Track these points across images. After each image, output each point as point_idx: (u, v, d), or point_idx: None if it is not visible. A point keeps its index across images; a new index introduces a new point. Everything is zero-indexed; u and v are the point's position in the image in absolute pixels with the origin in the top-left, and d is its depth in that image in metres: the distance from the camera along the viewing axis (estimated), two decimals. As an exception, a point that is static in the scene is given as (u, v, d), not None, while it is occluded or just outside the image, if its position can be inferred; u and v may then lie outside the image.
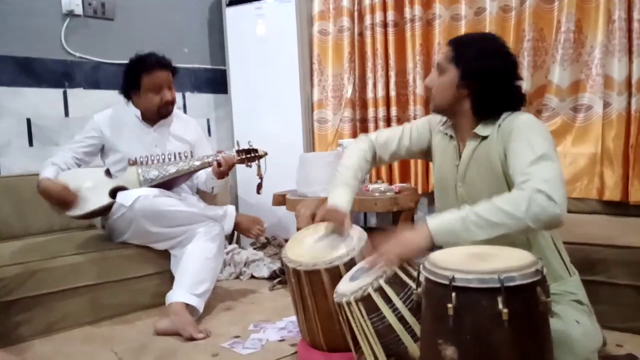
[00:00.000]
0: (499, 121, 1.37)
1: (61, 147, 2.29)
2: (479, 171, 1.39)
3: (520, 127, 1.30)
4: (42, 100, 2.74)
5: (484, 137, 1.37)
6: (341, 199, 1.52)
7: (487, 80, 1.35)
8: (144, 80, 2.25)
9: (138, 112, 2.33)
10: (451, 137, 1.48)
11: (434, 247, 1.19)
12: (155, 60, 2.26)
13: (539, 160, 1.20)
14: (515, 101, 1.39)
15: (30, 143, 2.71)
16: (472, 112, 1.39)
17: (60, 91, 2.81)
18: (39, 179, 2.07)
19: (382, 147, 1.63)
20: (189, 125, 2.50)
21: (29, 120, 2.70)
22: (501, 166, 1.33)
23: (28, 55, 2.69)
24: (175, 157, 2.22)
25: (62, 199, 2.05)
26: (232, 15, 3.18)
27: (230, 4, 3.17)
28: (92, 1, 2.90)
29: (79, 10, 2.84)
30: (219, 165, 2.19)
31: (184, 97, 3.33)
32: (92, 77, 2.90)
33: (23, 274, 1.93)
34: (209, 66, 3.44)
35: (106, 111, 2.36)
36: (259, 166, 2.27)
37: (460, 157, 1.44)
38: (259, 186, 2.30)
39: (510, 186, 1.30)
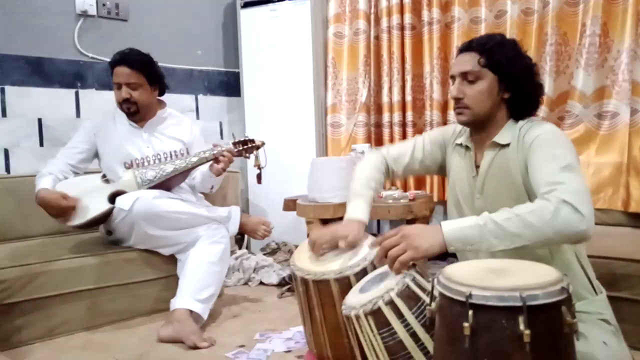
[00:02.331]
0: (518, 127, 1.32)
1: (55, 156, 2.25)
2: (498, 182, 1.32)
3: (542, 138, 1.24)
4: (53, 101, 2.72)
5: (503, 146, 1.32)
6: (356, 210, 1.46)
7: (525, 80, 1.32)
8: (113, 76, 2.22)
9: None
10: (467, 147, 1.42)
11: (446, 252, 1.14)
12: (117, 57, 2.21)
13: (564, 170, 1.14)
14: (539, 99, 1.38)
15: (41, 143, 2.69)
16: (508, 116, 1.35)
17: (72, 92, 2.79)
18: (36, 191, 2.04)
19: (394, 161, 1.58)
20: (183, 125, 2.43)
21: (40, 121, 2.68)
22: (521, 177, 1.27)
23: (40, 55, 2.67)
24: (171, 156, 2.17)
25: (61, 208, 2.01)
26: (247, 17, 3.14)
27: (244, 6, 3.14)
28: (106, 2, 2.88)
29: (92, 10, 2.83)
30: (217, 161, 2.14)
31: (196, 99, 3.30)
32: (105, 78, 2.87)
33: (24, 276, 1.88)
34: (222, 69, 3.40)
35: (97, 116, 2.33)
36: (256, 157, 2.23)
37: (477, 168, 1.38)
38: (259, 176, 2.26)
39: (531, 198, 1.24)
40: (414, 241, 1.14)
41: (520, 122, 1.34)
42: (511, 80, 1.30)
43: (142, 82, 2.21)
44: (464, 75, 1.33)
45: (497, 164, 1.33)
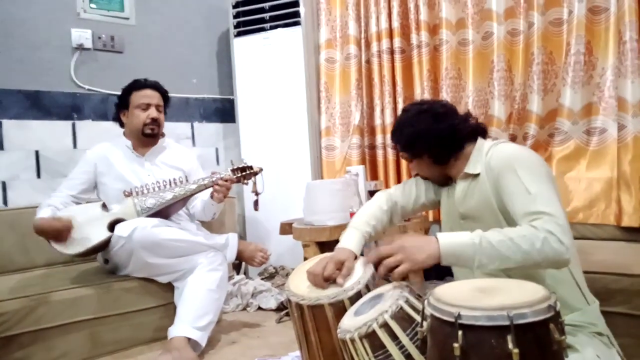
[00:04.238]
0: (484, 153, 1.37)
1: (57, 188, 2.29)
2: (476, 209, 1.38)
3: (505, 164, 1.29)
4: (50, 133, 2.76)
5: (475, 175, 1.38)
6: (349, 241, 1.47)
7: (425, 138, 1.41)
8: (133, 98, 2.30)
9: (129, 143, 2.34)
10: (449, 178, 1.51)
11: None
12: (147, 81, 2.35)
13: (538, 198, 1.18)
14: (470, 131, 1.43)
15: (38, 175, 2.71)
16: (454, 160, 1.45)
17: (69, 123, 2.83)
18: (34, 220, 2.06)
19: (402, 197, 1.60)
20: (182, 154, 2.50)
21: (37, 153, 2.72)
22: (496, 203, 1.32)
23: (37, 88, 2.72)
24: (170, 184, 2.19)
25: (56, 230, 2.03)
26: (240, 45, 3.20)
27: (237, 35, 3.20)
28: (101, 35, 2.94)
29: (88, 44, 2.89)
30: (216, 190, 2.17)
31: (192, 127, 3.34)
32: (101, 109, 2.92)
33: (23, 308, 1.89)
34: (217, 96, 3.45)
35: (98, 146, 2.37)
36: (254, 183, 2.25)
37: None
38: (256, 203, 2.28)
39: (509, 222, 1.29)
40: (411, 254, 1.17)
41: (486, 147, 1.38)
42: (418, 149, 1.45)
43: (162, 108, 2.38)
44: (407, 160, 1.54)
45: (472, 192, 1.39)
